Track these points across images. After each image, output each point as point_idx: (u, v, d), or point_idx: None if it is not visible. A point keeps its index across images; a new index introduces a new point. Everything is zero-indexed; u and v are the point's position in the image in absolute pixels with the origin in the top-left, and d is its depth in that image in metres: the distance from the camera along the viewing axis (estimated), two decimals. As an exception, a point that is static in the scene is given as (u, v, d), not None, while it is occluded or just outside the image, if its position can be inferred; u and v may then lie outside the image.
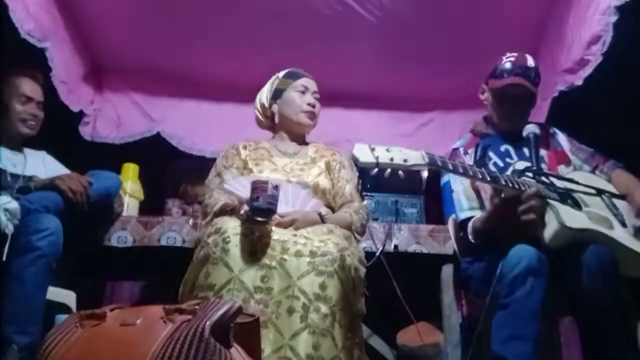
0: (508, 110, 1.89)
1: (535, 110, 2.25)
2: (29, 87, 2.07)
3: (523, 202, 1.52)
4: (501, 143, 1.89)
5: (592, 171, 1.88)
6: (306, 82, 1.98)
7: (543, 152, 1.87)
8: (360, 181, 1.98)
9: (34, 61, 2.41)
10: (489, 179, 1.53)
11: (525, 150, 1.83)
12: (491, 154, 1.87)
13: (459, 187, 1.83)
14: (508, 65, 1.87)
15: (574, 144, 1.95)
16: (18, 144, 2.08)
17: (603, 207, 1.70)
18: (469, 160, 1.86)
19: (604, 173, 1.87)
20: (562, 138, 1.97)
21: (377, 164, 1.33)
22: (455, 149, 1.96)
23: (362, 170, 1.39)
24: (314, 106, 1.96)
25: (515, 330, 1.46)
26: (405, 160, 1.36)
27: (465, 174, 1.51)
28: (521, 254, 1.52)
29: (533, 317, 1.46)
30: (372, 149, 1.34)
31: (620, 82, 2.62)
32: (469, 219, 1.78)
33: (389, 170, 1.35)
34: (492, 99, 1.93)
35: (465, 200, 1.81)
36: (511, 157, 1.85)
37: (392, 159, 1.34)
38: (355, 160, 1.34)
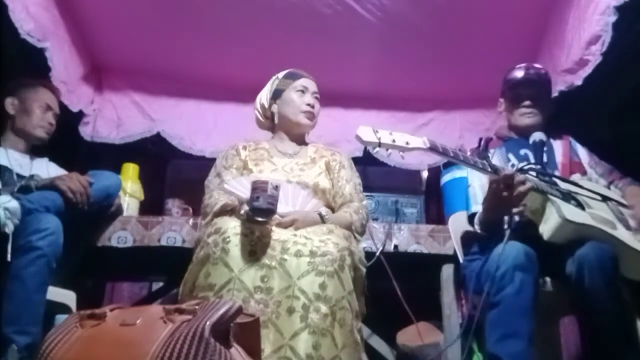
0: (524, 107, 1.92)
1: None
2: (50, 97, 2.19)
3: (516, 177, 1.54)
4: (521, 147, 1.91)
5: (608, 186, 1.89)
6: (306, 82, 1.98)
7: (559, 159, 1.90)
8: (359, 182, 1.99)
9: (34, 61, 2.42)
10: (489, 169, 1.54)
11: (544, 156, 1.85)
12: (510, 155, 1.90)
13: (476, 183, 1.85)
14: (518, 70, 1.95)
15: (594, 158, 1.96)
16: (27, 147, 2.14)
17: (607, 211, 1.70)
18: (491, 158, 1.87)
19: (618, 188, 1.88)
20: (581, 150, 1.98)
21: (380, 144, 1.40)
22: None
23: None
24: (313, 106, 1.96)
25: (508, 329, 1.45)
26: (407, 143, 1.43)
27: (465, 162, 1.51)
28: (508, 251, 1.52)
29: (525, 314, 1.46)
30: (376, 131, 1.41)
31: (619, 81, 2.62)
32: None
33: (390, 151, 1.42)
34: (509, 105, 1.97)
35: (481, 194, 1.81)
36: (529, 161, 1.85)
37: (394, 141, 1.42)
38: (358, 139, 1.40)
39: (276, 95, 1.99)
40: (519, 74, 1.94)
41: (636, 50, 2.45)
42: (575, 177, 1.85)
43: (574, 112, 2.53)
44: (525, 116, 1.92)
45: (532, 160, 1.84)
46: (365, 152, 3.08)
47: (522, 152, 1.89)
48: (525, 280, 1.47)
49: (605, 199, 1.72)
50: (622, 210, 1.73)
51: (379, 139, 1.40)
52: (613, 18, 2.15)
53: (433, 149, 1.45)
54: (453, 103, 3.27)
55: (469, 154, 1.95)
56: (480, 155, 1.59)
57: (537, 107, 1.92)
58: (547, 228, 1.56)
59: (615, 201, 1.75)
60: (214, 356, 0.93)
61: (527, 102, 1.91)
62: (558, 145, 1.95)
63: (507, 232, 1.57)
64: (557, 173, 1.83)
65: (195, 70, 3.08)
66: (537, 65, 1.99)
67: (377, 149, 1.41)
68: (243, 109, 3.07)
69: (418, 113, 3.30)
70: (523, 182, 1.55)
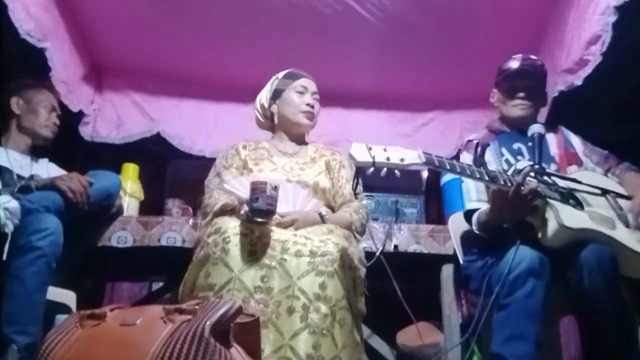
0: (518, 99, 1.90)
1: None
2: (53, 99, 2.24)
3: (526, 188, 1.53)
4: (514, 141, 1.89)
5: (605, 174, 1.87)
6: (305, 82, 1.98)
7: (554, 151, 1.88)
8: (356, 180, 1.98)
9: (34, 61, 2.42)
10: (487, 178, 1.53)
11: (537, 150, 1.83)
12: (504, 150, 1.87)
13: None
14: (514, 61, 1.91)
15: (588, 146, 1.95)
16: (29, 148, 2.15)
17: (607, 207, 1.69)
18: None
19: (616, 175, 1.86)
20: (575, 140, 1.96)
21: (374, 163, 1.34)
22: (470, 141, 1.96)
23: (359, 169, 1.40)
24: (312, 107, 1.96)
25: (516, 331, 1.46)
26: (402, 160, 1.37)
27: (462, 173, 1.50)
28: (522, 255, 1.52)
29: (533, 318, 1.46)
30: (369, 148, 1.35)
31: (619, 81, 2.62)
32: (474, 210, 1.78)
33: (385, 169, 1.36)
34: (502, 96, 1.94)
35: (474, 191, 1.80)
36: (522, 155, 1.85)
37: (388, 159, 1.36)
38: (352, 159, 1.35)
39: (276, 95, 1.99)
40: (514, 64, 1.90)
41: (636, 50, 2.45)
42: (572, 169, 1.84)
43: (574, 112, 2.54)
44: (518, 107, 1.89)
45: (526, 154, 1.83)
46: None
47: (516, 146, 1.88)
48: (537, 285, 1.48)
49: (604, 192, 1.72)
50: (621, 203, 1.72)
51: (373, 157, 1.34)
52: (613, 18, 2.15)
53: (429, 163, 1.42)
54: (453, 103, 3.27)
55: (463, 147, 1.95)
56: (476, 163, 1.57)
57: (531, 99, 1.89)
58: (545, 233, 1.56)
59: (615, 193, 1.74)
60: (214, 356, 0.93)
61: (521, 94, 1.89)
62: (552, 137, 1.93)
63: (518, 237, 1.57)
64: (553, 166, 1.81)
65: (195, 70, 3.08)
66: (533, 57, 1.95)
67: (372, 169, 1.36)
68: (243, 109, 3.07)
69: (418, 113, 3.30)
70: (533, 192, 1.54)
